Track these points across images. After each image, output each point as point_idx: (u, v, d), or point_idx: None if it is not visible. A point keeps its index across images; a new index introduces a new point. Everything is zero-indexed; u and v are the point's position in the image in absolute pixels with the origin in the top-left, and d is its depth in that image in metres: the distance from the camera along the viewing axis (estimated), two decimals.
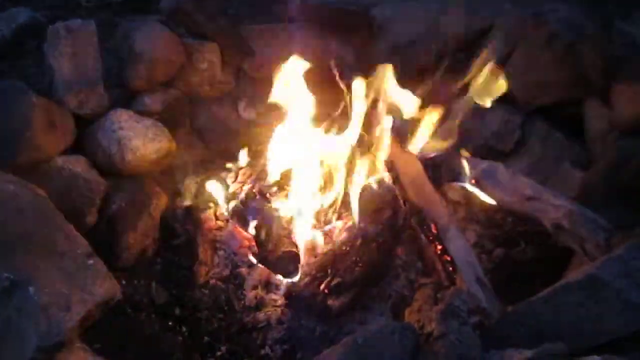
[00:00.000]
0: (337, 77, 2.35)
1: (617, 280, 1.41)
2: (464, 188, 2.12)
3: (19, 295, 1.44)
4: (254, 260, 2.10)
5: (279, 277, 2.04)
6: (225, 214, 2.27)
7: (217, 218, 2.29)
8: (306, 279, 1.93)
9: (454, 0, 2.67)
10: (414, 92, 2.21)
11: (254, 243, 2.14)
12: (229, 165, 2.35)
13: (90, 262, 1.61)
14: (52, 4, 2.92)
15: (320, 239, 2.05)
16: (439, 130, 2.20)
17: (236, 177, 2.29)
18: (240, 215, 2.19)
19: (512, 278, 1.94)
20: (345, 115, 2.26)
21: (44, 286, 1.48)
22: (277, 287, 2.04)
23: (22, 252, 1.54)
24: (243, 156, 2.37)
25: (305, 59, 2.35)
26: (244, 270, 2.10)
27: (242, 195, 2.21)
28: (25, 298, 1.44)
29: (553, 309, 1.48)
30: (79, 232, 1.71)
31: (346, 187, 2.10)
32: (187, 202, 2.32)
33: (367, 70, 2.26)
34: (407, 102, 2.14)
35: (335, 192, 2.09)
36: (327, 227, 2.06)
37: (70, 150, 2.09)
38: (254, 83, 2.71)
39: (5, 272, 1.46)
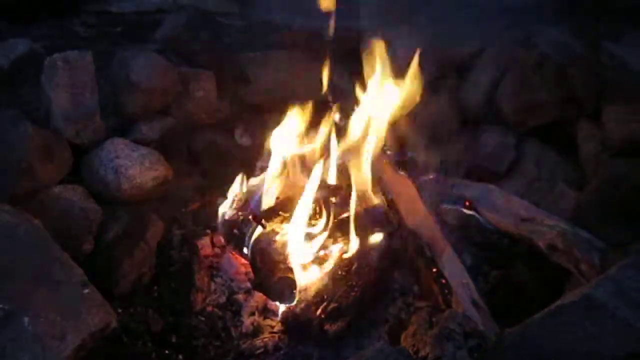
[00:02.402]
0: (332, 103, 2.38)
1: (612, 300, 1.41)
2: (458, 210, 2.13)
3: (13, 325, 1.44)
4: (250, 286, 2.10)
5: (276, 303, 2.03)
6: (222, 240, 2.27)
7: (213, 245, 2.30)
8: (302, 305, 1.93)
9: (446, 24, 2.71)
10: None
11: (250, 269, 2.14)
12: (225, 191, 2.36)
13: (86, 291, 1.61)
14: (50, 34, 2.97)
15: (316, 264, 2.04)
16: None
17: (232, 204, 2.29)
18: (237, 241, 2.20)
19: (509, 300, 1.93)
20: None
21: (39, 316, 1.48)
22: (274, 313, 2.04)
23: (17, 282, 1.54)
24: (239, 182, 2.38)
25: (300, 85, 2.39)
26: (240, 296, 2.10)
27: (239, 222, 2.21)
28: (20, 328, 1.44)
29: (549, 330, 1.48)
30: (75, 261, 1.71)
31: (342, 212, 2.10)
32: (184, 229, 2.32)
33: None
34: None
35: (331, 217, 2.09)
36: (322, 252, 2.06)
37: (67, 179, 2.11)
38: (249, 110, 2.74)
39: (0, 302, 1.47)
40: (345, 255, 2.00)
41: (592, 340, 1.40)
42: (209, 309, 2.05)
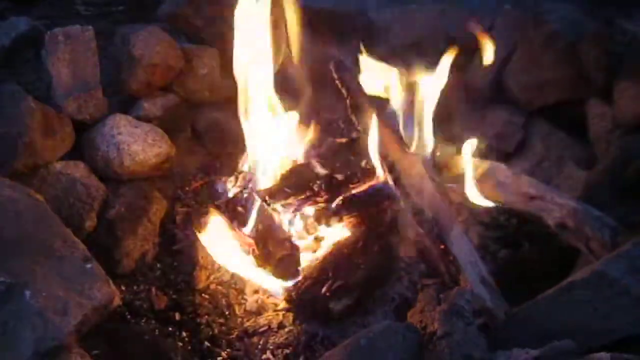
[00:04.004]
0: (337, 81, 2.33)
1: (625, 277, 1.38)
2: (466, 189, 2.10)
3: (15, 299, 1.42)
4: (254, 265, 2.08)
5: (280, 280, 2.01)
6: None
7: None
8: (307, 282, 1.91)
9: (453, 1, 2.66)
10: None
11: (254, 247, 2.11)
12: (228, 169, 2.33)
13: (88, 266, 1.59)
14: (51, 14, 2.93)
15: (321, 242, 2.02)
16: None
17: (236, 181, 2.26)
18: (240, 219, 2.17)
19: (516, 280, 1.90)
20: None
21: (41, 290, 1.46)
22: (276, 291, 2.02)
23: (19, 256, 1.52)
24: (243, 160, 2.35)
25: (305, 63, 2.35)
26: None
27: (242, 199, 2.18)
28: (22, 302, 1.42)
29: (560, 307, 1.45)
30: (77, 238, 1.69)
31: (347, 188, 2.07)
32: (187, 207, 2.29)
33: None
34: None
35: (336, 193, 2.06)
36: (328, 230, 2.04)
37: (69, 155, 2.08)
38: None
39: (2, 276, 1.44)
40: (351, 233, 1.98)
41: (604, 318, 1.38)
42: (213, 286, 2.04)
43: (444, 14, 2.68)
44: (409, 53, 2.56)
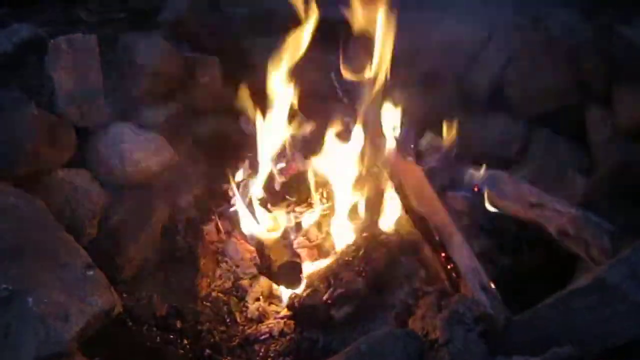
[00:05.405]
0: (338, 89, 2.35)
1: (625, 282, 1.38)
2: (467, 196, 2.10)
3: (17, 305, 1.43)
4: (256, 272, 2.08)
5: (281, 288, 2.01)
6: (227, 226, 2.26)
7: (218, 230, 2.28)
8: (308, 290, 1.91)
9: (452, 8, 2.67)
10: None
11: (256, 255, 2.12)
12: (230, 177, 2.34)
13: (90, 273, 1.60)
14: (53, 20, 2.94)
15: (322, 249, 2.03)
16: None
17: (238, 189, 2.27)
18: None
19: (517, 286, 1.91)
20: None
21: (43, 296, 1.46)
22: (279, 298, 2.02)
23: (22, 263, 1.53)
24: (244, 168, 2.36)
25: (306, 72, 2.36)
26: (246, 282, 2.09)
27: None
28: (24, 308, 1.43)
29: (561, 314, 1.46)
30: (79, 244, 1.70)
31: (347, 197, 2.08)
32: (189, 215, 2.30)
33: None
34: None
35: (337, 202, 2.07)
36: (329, 237, 2.04)
37: (72, 162, 2.09)
38: (255, 96, 2.71)
39: (4, 282, 1.45)
40: (352, 240, 1.99)
41: (605, 324, 1.38)
42: (214, 294, 2.05)
43: (443, 20, 2.69)
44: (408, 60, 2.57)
